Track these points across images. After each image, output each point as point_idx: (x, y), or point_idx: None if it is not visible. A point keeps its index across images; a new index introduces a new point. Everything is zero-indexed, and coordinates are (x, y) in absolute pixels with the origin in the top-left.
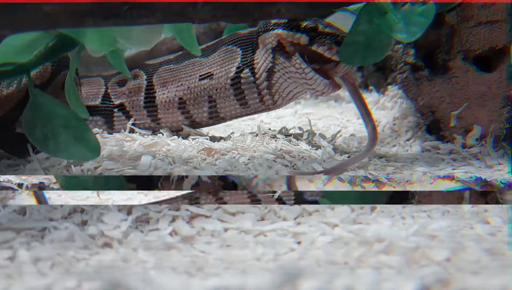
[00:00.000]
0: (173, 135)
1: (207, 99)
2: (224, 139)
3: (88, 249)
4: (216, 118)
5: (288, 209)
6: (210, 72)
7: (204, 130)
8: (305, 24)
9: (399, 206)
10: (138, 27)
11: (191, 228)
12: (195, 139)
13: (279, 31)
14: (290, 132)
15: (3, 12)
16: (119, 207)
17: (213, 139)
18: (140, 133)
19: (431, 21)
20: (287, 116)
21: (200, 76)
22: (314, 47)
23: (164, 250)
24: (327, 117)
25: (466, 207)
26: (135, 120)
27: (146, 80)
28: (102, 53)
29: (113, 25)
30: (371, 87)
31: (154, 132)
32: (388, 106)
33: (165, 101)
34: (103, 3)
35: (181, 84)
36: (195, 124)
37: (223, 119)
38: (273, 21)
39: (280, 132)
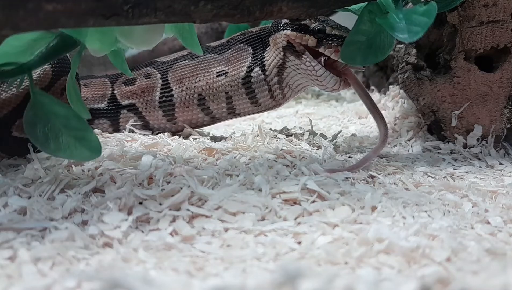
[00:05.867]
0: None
1: (225, 96)
2: (225, 139)
3: (88, 249)
4: (232, 114)
5: (289, 209)
6: (225, 70)
7: (205, 130)
8: (313, 26)
9: (400, 206)
10: (139, 27)
11: (191, 228)
12: (196, 139)
13: (288, 32)
14: (291, 132)
15: (4, 11)
16: (119, 207)
17: (214, 139)
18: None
19: (432, 21)
20: (288, 116)
21: (217, 72)
22: (321, 50)
23: (164, 250)
24: (328, 117)
25: (467, 207)
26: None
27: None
28: (103, 53)
29: (114, 24)
30: (372, 87)
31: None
32: (389, 106)
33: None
34: (104, 2)
35: (199, 80)
36: (213, 120)
37: (239, 115)
38: (283, 21)
39: (281, 132)
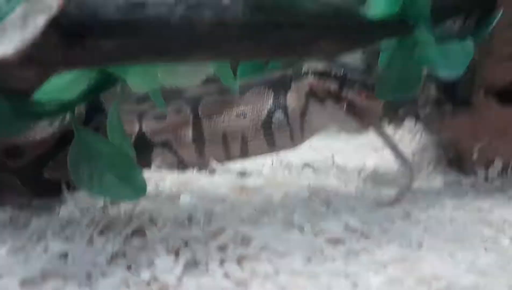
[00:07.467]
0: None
1: (240, 136)
2: (251, 174)
3: None
4: (245, 155)
5: (335, 248)
6: (244, 111)
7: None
8: (334, 72)
9: (443, 242)
10: (183, 64)
11: (242, 271)
12: (222, 175)
13: (310, 79)
14: (315, 166)
15: (62, 50)
16: (167, 249)
17: (240, 174)
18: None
19: (472, 58)
20: (302, 149)
21: (237, 113)
22: (343, 93)
23: None
24: (343, 150)
25: (505, 242)
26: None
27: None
28: (144, 90)
29: (166, 62)
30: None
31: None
32: (406, 139)
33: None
34: (159, 41)
35: (223, 118)
36: (228, 159)
37: (249, 156)
38: (304, 68)
39: (304, 166)
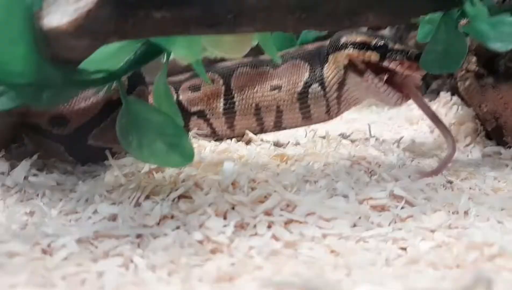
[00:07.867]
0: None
1: (275, 109)
2: (286, 144)
3: (198, 255)
4: (279, 127)
5: (380, 215)
6: (279, 84)
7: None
8: (374, 42)
9: (491, 211)
10: (228, 35)
11: (290, 234)
12: (259, 145)
13: (349, 51)
14: (352, 138)
15: (115, 21)
16: (215, 212)
17: (277, 144)
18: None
19: None
20: (334, 121)
21: (271, 86)
22: (385, 64)
23: (273, 255)
24: (376, 122)
25: None
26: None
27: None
28: (189, 61)
29: (214, 33)
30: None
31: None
32: (442, 112)
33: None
34: (209, 11)
35: (257, 91)
36: (261, 131)
37: (283, 129)
38: (342, 40)
39: (342, 137)
